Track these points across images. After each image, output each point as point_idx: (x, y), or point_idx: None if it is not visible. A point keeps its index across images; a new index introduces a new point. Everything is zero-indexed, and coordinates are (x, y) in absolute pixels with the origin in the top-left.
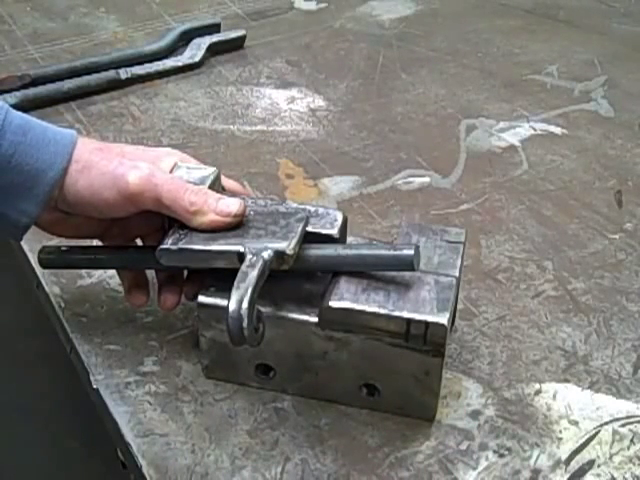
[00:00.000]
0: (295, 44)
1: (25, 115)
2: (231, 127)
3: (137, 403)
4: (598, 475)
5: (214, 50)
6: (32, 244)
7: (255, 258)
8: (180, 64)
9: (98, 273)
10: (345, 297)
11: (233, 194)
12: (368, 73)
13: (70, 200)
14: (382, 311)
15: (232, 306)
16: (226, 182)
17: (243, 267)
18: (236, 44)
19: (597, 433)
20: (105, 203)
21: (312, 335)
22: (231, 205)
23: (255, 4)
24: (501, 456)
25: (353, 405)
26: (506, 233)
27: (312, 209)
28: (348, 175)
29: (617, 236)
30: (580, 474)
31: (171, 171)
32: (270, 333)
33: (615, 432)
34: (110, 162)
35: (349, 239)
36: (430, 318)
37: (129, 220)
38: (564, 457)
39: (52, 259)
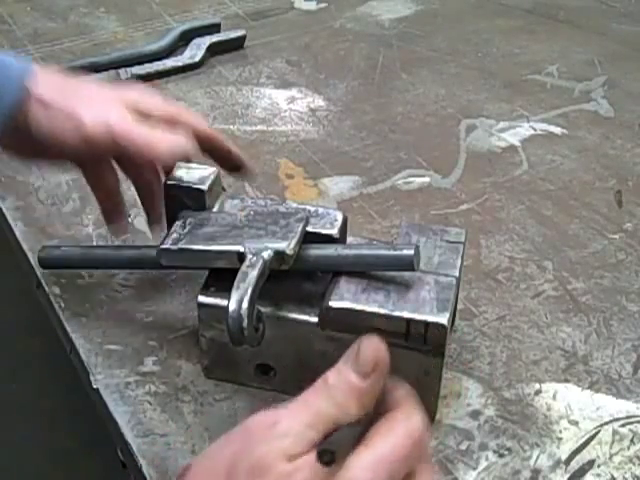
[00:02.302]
0: (295, 44)
1: None
2: (231, 127)
3: (137, 403)
4: (598, 475)
5: (214, 50)
6: (32, 244)
7: (255, 258)
8: (180, 64)
9: (98, 273)
10: (345, 297)
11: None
12: (368, 73)
13: (34, 135)
14: (382, 311)
15: (232, 306)
16: (202, 129)
17: (243, 267)
18: (236, 44)
19: (597, 433)
20: (64, 142)
21: (312, 335)
22: (181, 142)
23: (255, 4)
24: (501, 456)
25: None
26: (506, 233)
27: (312, 209)
28: (348, 175)
29: (617, 236)
30: (580, 474)
31: (170, 172)
32: (270, 333)
33: (615, 432)
34: (71, 100)
35: (349, 239)
36: (430, 318)
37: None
38: (564, 457)
39: (52, 259)
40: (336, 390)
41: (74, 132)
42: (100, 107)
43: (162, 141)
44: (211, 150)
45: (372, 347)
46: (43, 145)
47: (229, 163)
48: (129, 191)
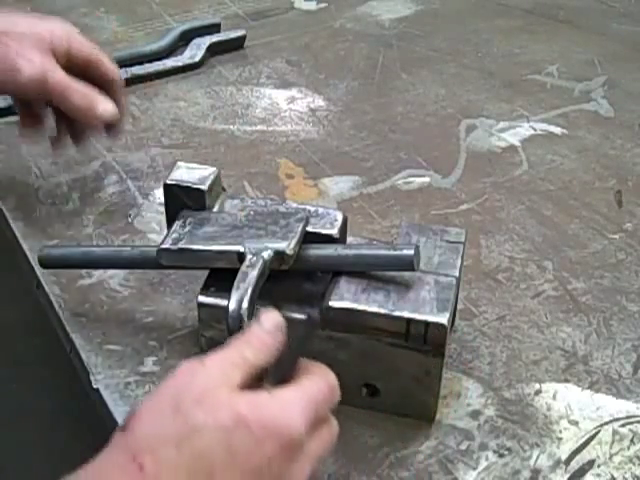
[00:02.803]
0: (295, 44)
1: None
2: (231, 127)
3: (137, 403)
4: (598, 475)
5: (214, 50)
6: (32, 244)
7: (255, 258)
8: (180, 64)
9: (98, 273)
10: (345, 297)
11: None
12: (368, 73)
13: None
14: (382, 311)
15: (232, 306)
16: (106, 66)
17: (243, 267)
18: (236, 44)
19: (597, 433)
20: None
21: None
22: (109, 109)
23: (255, 4)
24: (501, 456)
25: (353, 405)
26: (506, 233)
27: (312, 209)
28: (348, 175)
29: (617, 236)
30: (580, 474)
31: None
32: None
33: (615, 432)
34: (9, 50)
35: (349, 239)
36: (430, 318)
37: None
38: (564, 457)
39: (52, 259)
40: (249, 341)
41: (9, 80)
42: (39, 60)
43: (93, 107)
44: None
45: (270, 315)
46: None
47: (112, 125)
48: (128, 191)
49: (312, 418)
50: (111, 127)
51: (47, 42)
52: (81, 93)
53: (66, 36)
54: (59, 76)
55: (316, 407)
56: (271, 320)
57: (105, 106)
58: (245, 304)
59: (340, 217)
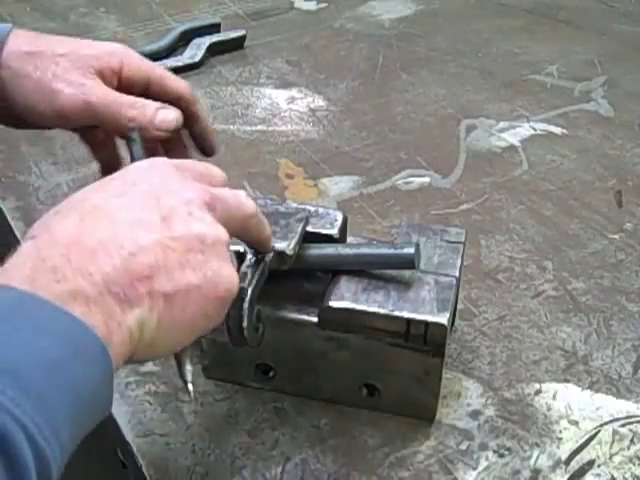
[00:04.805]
0: (295, 44)
1: None
2: (231, 127)
3: (137, 403)
4: (598, 475)
5: (214, 50)
6: None
7: (255, 258)
8: (180, 64)
9: None
10: (345, 297)
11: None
12: (368, 73)
13: (7, 106)
14: (382, 311)
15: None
16: (170, 81)
17: (243, 267)
18: (236, 44)
19: (597, 433)
20: (40, 117)
21: (312, 335)
22: (169, 116)
23: (255, 4)
24: (501, 456)
25: (353, 405)
26: (506, 233)
27: (312, 209)
28: (348, 175)
29: (617, 236)
30: (580, 474)
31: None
32: (270, 333)
33: (615, 432)
34: (44, 73)
35: (349, 239)
36: (430, 318)
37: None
38: (564, 457)
39: None
40: None
41: (48, 107)
42: (77, 79)
43: (149, 117)
44: (191, 125)
45: None
46: (20, 115)
47: (201, 142)
48: None
49: (179, 164)
50: (203, 144)
51: (92, 63)
52: (131, 103)
53: (118, 56)
54: (103, 91)
55: (184, 162)
56: None
57: (165, 114)
58: (245, 304)
59: (340, 217)
